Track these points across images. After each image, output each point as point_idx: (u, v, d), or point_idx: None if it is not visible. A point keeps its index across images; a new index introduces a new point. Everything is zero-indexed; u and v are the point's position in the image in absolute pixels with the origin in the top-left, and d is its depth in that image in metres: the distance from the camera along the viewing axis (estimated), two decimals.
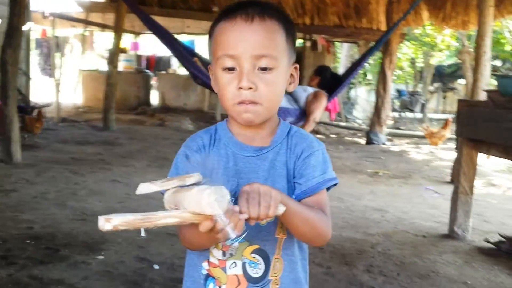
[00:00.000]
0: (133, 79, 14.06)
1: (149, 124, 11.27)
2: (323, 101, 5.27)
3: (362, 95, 14.88)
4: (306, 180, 1.15)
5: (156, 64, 17.28)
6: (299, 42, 15.58)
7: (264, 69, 1.10)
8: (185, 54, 6.42)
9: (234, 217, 0.92)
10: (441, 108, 20.46)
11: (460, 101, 4.24)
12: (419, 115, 16.12)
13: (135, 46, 17.29)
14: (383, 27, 11.21)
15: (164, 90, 14.40)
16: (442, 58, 19.65)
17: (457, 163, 3.98)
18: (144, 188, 1.10)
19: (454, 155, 8.24)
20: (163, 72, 16.31)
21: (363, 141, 10.48)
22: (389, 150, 9.29)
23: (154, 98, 15.27)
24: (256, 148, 1.18)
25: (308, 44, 13.60)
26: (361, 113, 12.92)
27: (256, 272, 1.14)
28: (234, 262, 1.15)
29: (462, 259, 3.45)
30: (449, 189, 5.95)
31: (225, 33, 1.12)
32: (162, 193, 1.13)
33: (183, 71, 19.62)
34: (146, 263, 3.03)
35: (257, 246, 1.14)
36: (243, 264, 1.15)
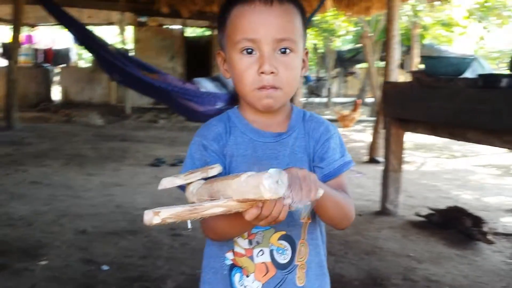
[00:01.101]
0: (32, 74, 13.28)
1: (54, 121, 10.71)
2: None
3: None
4: (327, 164, 1.15)
5: (55, 58, 16.43)
6: (208, 31, 15.51)
7: (284, 52, 1.08)
8: (103, 46, 6.14)
9: (278, 203, 0.89)
10: (343, 92, 21.28)
11: (385, 82, 4.42)
12: (324, 100, 16.67)
13: (30, 39, 16.31)
14: None
15: (66, 84, 13.74)
16: (339, 44, 20.41)
17: (386, 142, 4.16)
18: (167, 182, 1.06)
19: (366, 136, 8.65)
20: (64, 65, 15.54)
21: None
22: None
23: (56, 94, 14.52)
24: (274, 134, 1.16)
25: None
26: None
27: (284, 258, 1.13)
28: (261, 250, 1.13)
29: (400, 234, 3.63)
30: (369, 168, 6.29)
31: (244, 16, 1.08)
32: (181, 187, 1.08)
33: (85, 64, 18.84)
34: (94, 265, 2.88)
35: (283, 232, 1.13)
36: (271, 251, 1.13)
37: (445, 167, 6.75)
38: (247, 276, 1.13)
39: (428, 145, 8.77)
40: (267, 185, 0.84)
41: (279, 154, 1.14)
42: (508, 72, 3.73)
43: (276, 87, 1.08)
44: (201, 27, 15.62)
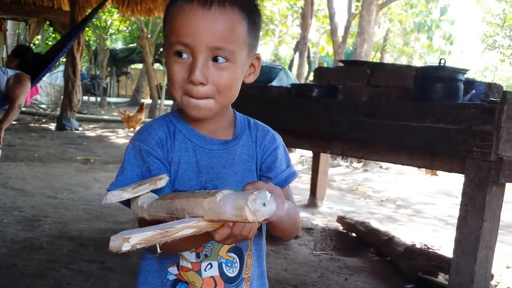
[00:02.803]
0: None
1: None
2: (27, 85, 4.82)
3: (44, 78, 13.98)
4: (276, 174, 1.13)
5: None
6: None
7: (219, 62, 1.00)
8: None
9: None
10: (115, 92, 20.86)
11: None
12: (99, 99, 16.14)
13: None
14: (66, 7, 10.77)
15: None
16: (117, 42, 20.02)
17: None
18: (114, 196, 0.97)
19: None
20: None
21: (52, 127, 9.97)
22: (87, 136, 9.10)
23: None
24: (221, 141, 1.10)
25: None
26: (44, 97, 12.15)
27: (232, 271, 1.09)
28: (210, 263, 1.07)
29: None
30: None
31: (179, 17, 0.99)
32: (121, 201, 0.98)
33: None
34: None
35: (232, 244, 1.08)
36: (219, 265, 1.08)
37: None
38: None
39: None
40: (253, 208, 0.79)
41: (227, 162, 1.09)
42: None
43: (205, 98, 1.01)
44: None
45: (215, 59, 1.00)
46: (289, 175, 1.16)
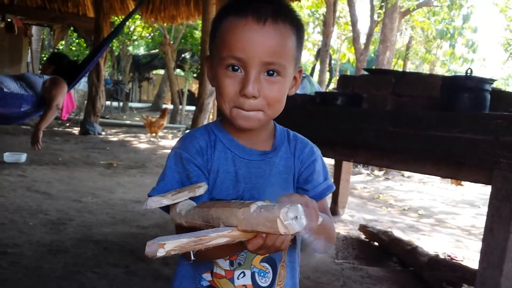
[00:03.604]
0: None
1: None
2: (63, 86, 4.92)
3: None
4: (313, 187, 1.15)
5: None
6: None
7: (271, 75, 1.03)
8: None
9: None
10: (137, 97, 21.08)
11: None
12: (121, 104, 16.32)
13: None
14: (91, 13, 10.97)
15: None
16: (139, 48, 20.25)
17: None
18: (154, 202, 1.00)
19: (173, 142, 8.74)
20: None
21: (76, 131, 10.12)
22: (110, 140, 9.20)
23: None
24: (259, 152, 1.13)
25: (2, 25, 12.28)
26: None
27: (265, 281, 1.11)
28: (243, 272, 1.09)
29: None
30: None
31: (234, 32, 1.02)
32: (161, 207, 1.01)
33: None
34: None
35: (265, 255, 1.09)
36: (252, 274, 1.10)
37: None
38: None
39: None
40: (285, 221, 0.81)
41: (265, 173, 1.11)
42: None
43: (256, 110, 1.04)
44: None
45: (266, 73, 1.03)
46: (326, 188, 1.17)
